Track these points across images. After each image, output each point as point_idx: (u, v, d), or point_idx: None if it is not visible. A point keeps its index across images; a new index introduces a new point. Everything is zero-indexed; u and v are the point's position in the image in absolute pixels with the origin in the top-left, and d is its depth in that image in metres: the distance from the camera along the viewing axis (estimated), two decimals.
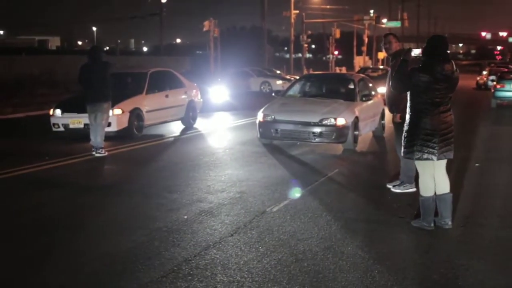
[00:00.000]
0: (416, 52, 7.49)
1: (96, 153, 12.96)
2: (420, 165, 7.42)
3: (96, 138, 13.03)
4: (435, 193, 7.43)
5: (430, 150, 7.18)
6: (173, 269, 6.10)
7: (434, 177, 7.43)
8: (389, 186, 9.69)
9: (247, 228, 7.56)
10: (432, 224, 7.41)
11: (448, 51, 7.31)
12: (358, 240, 7.04)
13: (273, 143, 14.39)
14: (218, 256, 6.52)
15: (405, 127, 7.41)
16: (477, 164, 12.02)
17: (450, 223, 7.45)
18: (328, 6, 74.42)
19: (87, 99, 13.17)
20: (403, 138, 7.46)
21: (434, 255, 6.61)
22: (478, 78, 47.47)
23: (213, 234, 7.29)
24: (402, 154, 7.59)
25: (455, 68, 7.23)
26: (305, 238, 7.15)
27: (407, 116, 7.42)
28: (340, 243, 6.96)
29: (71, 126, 14.87)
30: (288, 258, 6.46)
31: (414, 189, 9.19)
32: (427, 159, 7.23)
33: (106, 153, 13.06)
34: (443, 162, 7.40)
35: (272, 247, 6.80)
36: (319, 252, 6.66)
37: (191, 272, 6.02)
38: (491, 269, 6.27)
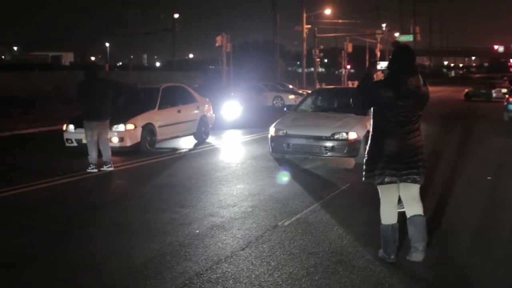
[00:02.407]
0: (383, 65, 6.63)
1: (106, 167, 13.16)
2: (381, 190, 6.64)
3: (105, 153, 13.26)
4: (396, 222, 6.66)
5: (393, 172, 6.41)
6: (184, 283, 6.13)
7: (403, 202, 6.69)
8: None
9: (259, 242, 7.58)
10: (392, 256, 6.63)
11: (415, 63, 6.55)
12: (370, 253, 7.03)
13: (285, 157, 14.41)
14: (229, 270, 6.54)
15: (367, 148, 6.65)
16: (489, 178, 11.99)
17: (421, 248, 6.58)
18: (340, 21, 74.39)
19: (85, 116, 13.32)
20: (364, 160, 6.70)
21: (445, 268, 6.60)
22: (467, 90, 48.21)
23: (225, 248, 7.31)
24: (363, 178, 6.70)
25: (422, 82, 6.42)
26: (316, 252, 7.17)
27: (369, 136, 6.67)
28: (352, 257, 6.97)
29: (84, 141, 14.90)
30: (299, 272, 6.48)
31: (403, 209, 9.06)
32: (390, 182, 6.46)
33: (113, 168, 13.27)
34: (414, 187, 6.59)
35: (283, 261, 6.82)
36: (330, 265, 6.67)
37: (203, 286, 6.05)
38: (502, 281, 6.26)
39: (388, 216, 6.61)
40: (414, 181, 6.49)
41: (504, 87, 41.26)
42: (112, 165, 13.22)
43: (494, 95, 45.00)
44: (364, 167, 6.66)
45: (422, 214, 6.64)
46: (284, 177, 9.33)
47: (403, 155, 6.39)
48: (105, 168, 13.11)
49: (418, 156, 6.46)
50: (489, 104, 42.26)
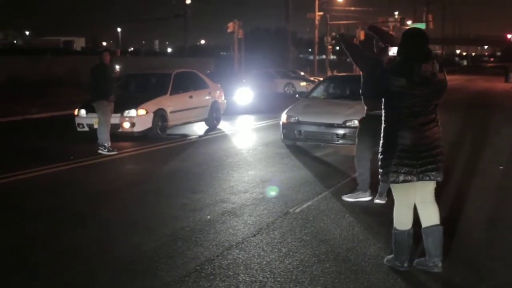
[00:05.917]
0: (395, 51, 6.02)
1: (99, 149, 13.48)
2: (396, 190, 6.03)
3: (99, 136, 13.68)
4: (412, 227, 6.05)
5: (408, 169, 5.75)
6: (195, 269, 6.13)
7: (416, 206, 6.08)
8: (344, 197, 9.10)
9: (270, 228, 7.57)
10: (406, 264, 6.06)
11: (429, 48, 5.81)
12: (381, 241, 7.01)
13: (297, 144, 14.39)
14: (240, 256, 6.54)
15: (380, 143, 5.98)
16: (501, 167, 11.92)
17: (439, 264, 6.02)
18: (352, 8, 74.23)
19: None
20: (379, 156, 6.00)
21: (457, 258, 6.56)
22: None
23: (236, 234, 7.31)
24: (379, 176, 6.02)
25: (438, 68, 5.74)
26: (327, 239, 7.15)
27: (382, 129, 5.99)
28: (363, 245, 6.95)
29: (95, 126, 14.92)
30: (310, 259, 6.46)
31: (368, 198, 8.94)
32: (404, 181, 5.79)
33: (115, 152, 13.47)
34: (430, 186, 6.03)
35: (294, 248, 6.81)
36: (342, 253, 6.65)
37: (214, 272, 6.05)
38: None
39: (403, 221, 6.02)
40: (435, 178, 5.87)
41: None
42: (108, 150, 13.41)
43: None
44: (379, 163, 5.99)
45: (439, 223, 6.07)
46: (272, 191, 9.38)
47: (419, 149, 5.75)
48: (98, 149, 13.48)
49: (436, 150, 5.83)
50: (504, 93, 42.00)
